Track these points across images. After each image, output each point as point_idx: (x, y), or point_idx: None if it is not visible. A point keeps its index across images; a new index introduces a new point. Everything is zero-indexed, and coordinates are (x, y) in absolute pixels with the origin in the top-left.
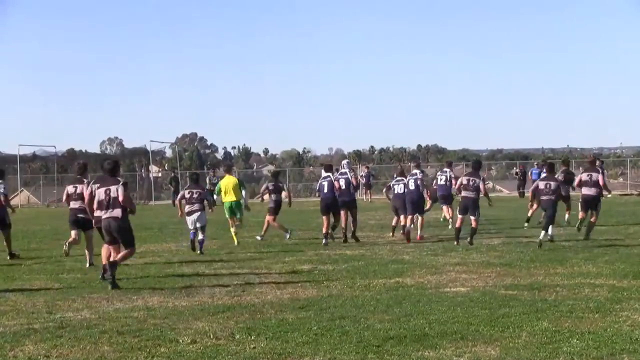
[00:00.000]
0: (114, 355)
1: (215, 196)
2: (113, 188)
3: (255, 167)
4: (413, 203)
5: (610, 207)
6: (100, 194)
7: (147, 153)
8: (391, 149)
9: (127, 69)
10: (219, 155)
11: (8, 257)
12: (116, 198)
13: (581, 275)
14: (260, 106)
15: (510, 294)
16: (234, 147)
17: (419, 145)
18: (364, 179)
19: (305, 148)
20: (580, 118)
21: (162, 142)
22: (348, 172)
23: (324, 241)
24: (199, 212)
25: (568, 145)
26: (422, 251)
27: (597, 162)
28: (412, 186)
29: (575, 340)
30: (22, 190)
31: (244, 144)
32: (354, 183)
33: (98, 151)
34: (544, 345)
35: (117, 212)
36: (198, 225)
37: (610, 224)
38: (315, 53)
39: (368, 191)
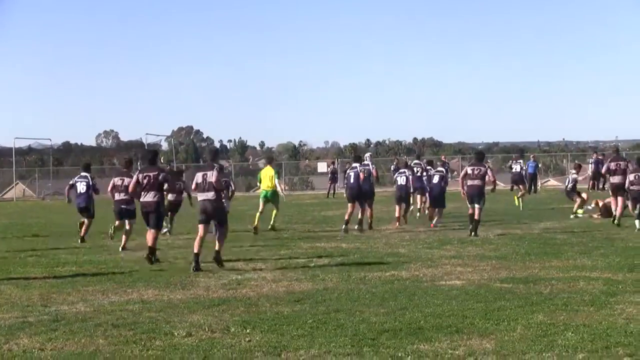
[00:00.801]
0: (109, 349)
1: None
2: (209, 173)
3: (251, 160)
4: (435, 197)
5: (605, 199)
6: (198, 177)
7: (143, 146)
8: (387, 142)
9: (124, 62)
10: None
11: None
12: (211, 182)
13: (576, 269)
14: (256, 99)
15: (506, 287)
16: (230, 140)
17: (415, 139)
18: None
19: (301, 141)
20: (576, 111)
21: (158, 135)
22: (370, 164)
23: (343, 227)
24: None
25: (564, 139)
26: (418, 244)
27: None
28: (435, 180)
29: (570, 333)
30: (17, 183)
31: (240, 137)
32: (374, 174)
33: (94, 144)
34: (539, 338)
35: (211, 195)
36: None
37: (604, 217)
38: (312, 47)
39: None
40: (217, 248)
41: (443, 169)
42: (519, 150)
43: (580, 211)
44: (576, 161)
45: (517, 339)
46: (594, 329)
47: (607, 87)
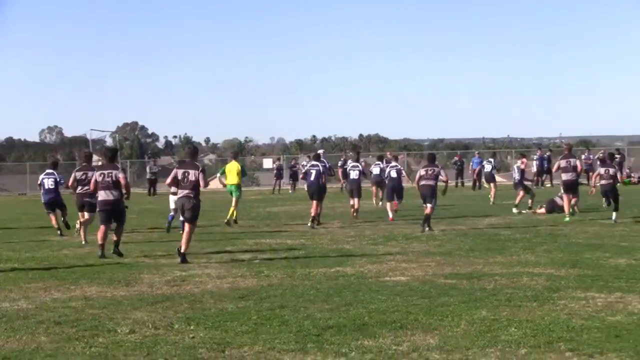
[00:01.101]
0: (50, 346)
1: (219, 176)
2: (192, 172)
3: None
4: (395, 190)
5: (549, 196)
6: (179, 173)
7: (87, 142)
8: (333, 138)
9: (67, 56)
10: (160, 144)
11: None
12: (193, 181)
13: (520, 264)
14: (201, 95)
15: (450, 283)
16: (175, 136)
17: (361, 135)
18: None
19: (247, 137)
20: (521, 108)
21: (103, 131)
22: (326, 163)
23: (309, 224)
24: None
25: (508, 135)
26: (363, 240)
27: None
28: (394, 174)
29: (513, 329)
30: None
31: (185, 133)
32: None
33: (37, 140)
34: (483, 333)
35: (192, 192)
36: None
37: (547, 214)
38: (255, 41)
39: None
40: (185, 238)
41: (397, 164)
42: (488, 148)
43: (515, 210)
44: (520, 154)
45: (461, 335)
46: (536, 324)
47: (551, 85)
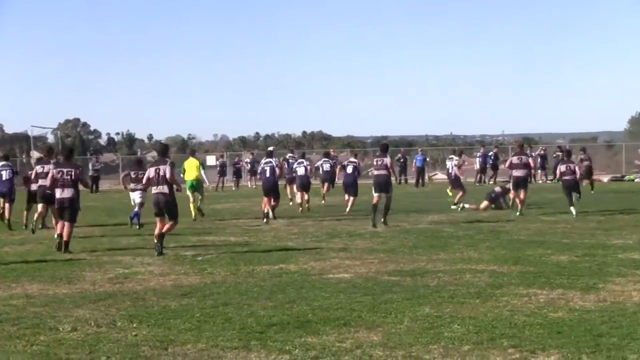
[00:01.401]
0: None
1: (182, 175)
2: (162, 167)
3: (139, 153)
4: (349, 186)
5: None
6: (151, 172)
7: (28, 138)
8: (276, 135)
9: (8, 52)
10: (102, 141)
11: None
12: (164, 176)
13: (463, 261)
14: (144, 92)
15: (393, 280)
16: (117, 133)
17: (304, 132)
18: (249, 165)
19: (190, 134)
20: (463, 105)
21: (44, 128)
22: (275, 160)
23: (264, 220)
24: (141, 192)
25: (451, 133)
26: (306, 237)
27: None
28: (349, 170)
29: (456, 326)
30: None
31: (128, 130)
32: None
33: None
34: (426, 330)
35: (165, 189)
36: (138, 201)
37: (491, 209)
38: (200, 38)
39: (253, 177)
40: (161, 229)
41: (355, 160)
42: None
43: (454, 207)
44: (457, 148)
45: (404, 332)
46: (479, 321)
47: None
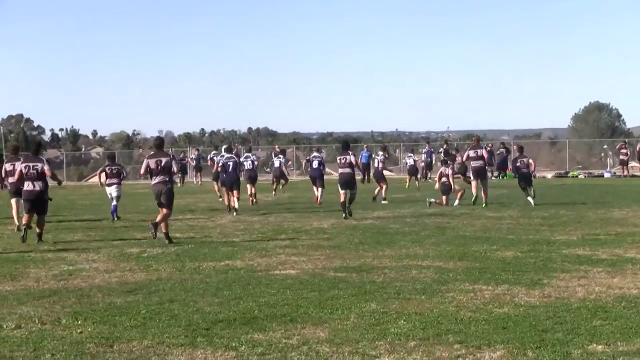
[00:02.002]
0: None
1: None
2: (163, 159)
3: (83, 149)
4: (317, 178)
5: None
6: (151, 163)
7: None
8: (222, 131)
9: None
10: (46, 137)
11: None
12: (165, 166)
13: (408, 257)
14: (88, 87)
15: (339, 276)
16: (61, 129)
17: (250, 128)
18: (194, 161)
19: (134, 130)
20: (409, 102)
21: None
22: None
23: (234, 214)
24: (117, 186)
25: (397, 129)
26: (252, 234)
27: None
28: (315, 165)
29: (402, 322)
30: None
31: (72, 126)
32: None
33: None
34: (372, 326)
35: (166, 177)
36: (115, 195)
37: (438, 206)
38: (143, 34)
39: (198, 174)
40: (158, 219)
41: (319, 154)
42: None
43: (384, 202)
44: (382, 145)
45: (351, 328)
46: (425, 316)
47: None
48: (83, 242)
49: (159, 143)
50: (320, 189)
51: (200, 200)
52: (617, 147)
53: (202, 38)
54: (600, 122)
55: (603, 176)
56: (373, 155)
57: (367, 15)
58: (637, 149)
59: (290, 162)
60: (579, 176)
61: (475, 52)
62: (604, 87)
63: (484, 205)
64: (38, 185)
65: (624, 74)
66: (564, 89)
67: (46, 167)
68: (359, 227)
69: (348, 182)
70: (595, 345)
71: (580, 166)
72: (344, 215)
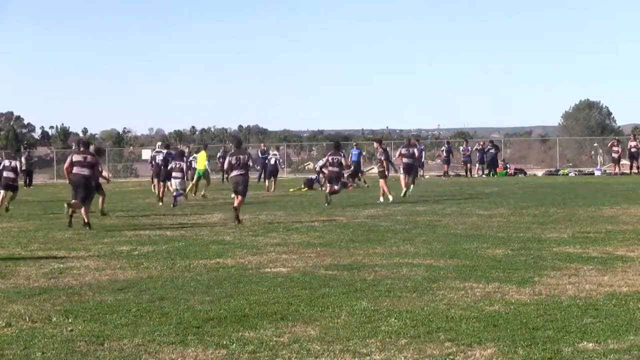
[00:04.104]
0: None
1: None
2: (241, 156)
3: (73, 147)
4: (273, 173)
5: (426, 187)
6: (232, 159)
7: None
8: (212, 129)
9: None
10: (36, 134)
11: None
12: (244, 162)
13: (399, 255)
14: (79, 85)
15: (330, 274)
16: (51, 127)
17: (240, 126)
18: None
19: (125, 128)
20: (399, 100)
21: None
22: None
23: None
24: (180, 179)
25: (387, 127)
26: (243, 232)
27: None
28: (273, 162)
29: (393, 319)
30: None
31: (62, 124)
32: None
33: None
34: (363, 324)
35: (244, 171)
36: (178, 187)
37: (428, 204)
38: (135, 32)
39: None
40: (237, 204)
41: (277, 153)
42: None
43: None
44: (356, 143)
45: (342, 326)
46: (416, 314)
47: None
48: (74, 240)
49: (239, 143)
50: (274, 181)
51: (191, 197)
52: (609, 144)
53: (193, 36)
54: (590, 120)
55: (593, 174)
56: (363, 153)
57: (358, 13)
58: (628, 146)
59: (280, 160)
60: (570, 174)
61: (466, 50)
62: (594, 85)
63: (402, 195)
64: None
65: (614, 72)
66: (554, 87)
67: (249, 158)
68: (350, 225)
69: (334, 179)
70: (585, 342)
71: (570, 164)
72: (326, 201)
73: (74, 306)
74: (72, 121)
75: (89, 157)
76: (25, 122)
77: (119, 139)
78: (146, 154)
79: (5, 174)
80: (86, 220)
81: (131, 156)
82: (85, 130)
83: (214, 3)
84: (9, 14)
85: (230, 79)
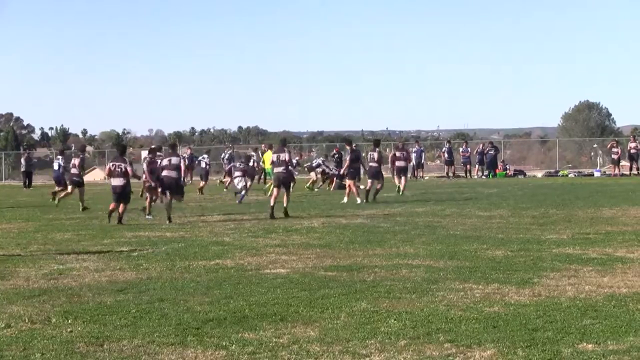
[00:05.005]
0: None
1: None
2: (282, 155)
3: (73, 148)
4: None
5: (426, 188)
6: (274, 157)
7: None
8: (212, 130)
9: None
10: (36, 136)
11: None
12: (285, 160)
13: (399, 256)
14: (78, 86)
15: (330, 275)
16: (51, 128)
17: (240, 127)
18: (187, 160)
19: (124, 129)
20: (399, 101)
21: None
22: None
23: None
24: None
25: (387, 128)
26: (243, 233)
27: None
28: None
29: (392, 320)
30: None
31: (62, 125)
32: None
33: None
34: (363, 325)
35: (284, 168)
36: (241, 185)
37: (428, 205)
38: (134, 33)
39: (189, 172)
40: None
41: (254, 154)
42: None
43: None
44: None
45: (341, 327)
46: (416, 315)
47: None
48: (73, 241)
49: (283, 142)
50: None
51: (189, 199)
52: (608, 145)
53: (192, 37)
54: (590, 121)
55: (593, 175)
56: (363, 154)
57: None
58: (627, 148)
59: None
60: (569, 175)
61: (465, 51)
62: (594, 86)
63: (400, 193)
64: None
65: (614, 73)
66: (554, 88)
67: (289, 156)
68: (350, 226)
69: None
70: (585, 344)
71: (570, 165)
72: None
73: (74, 307)
74: (72, 122)
75: (122, 166)
76: (25, 123)
77: (119, 140)
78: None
79: (72, 170)
80: (118, 214)
81: (131, 157)
82: (84, 132)
83: (214, 4)
84: (9, 15)
85: (230, 80)
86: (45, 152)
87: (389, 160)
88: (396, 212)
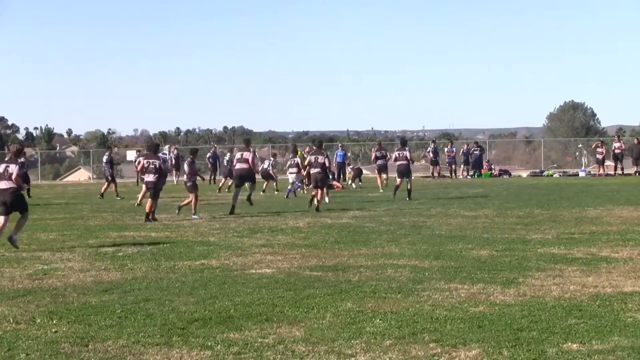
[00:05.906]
0: None
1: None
2: (320, 157)
3: (58, 148)
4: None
5: (414, 188)
6: (311, 158)
7: None
8: (197, 130)
9: None
10: (20, 135)
11: None
12: (324, 162)
13: (384, 256)
14: (63, 86)
15: (315, 275)
16: (36, 128)
17: (225, 127)
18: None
19: (110, 129)
20: (384, 101)
21: None
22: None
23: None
24: (298, 174)
25: (372, 128)
26: (228, 233)
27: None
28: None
29: (378, 320)
30: None
31: (47, 125)
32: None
33: None
34: (348, 325)
35: (319, 168)
36: (295, 180)
37: (413, 205)
38: (120, 34)
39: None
40: (319, 198)
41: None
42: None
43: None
44: (341, 144)
45: (327, 327)
46: (401, 315)
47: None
48: (58, 241)
49: (319, 144)
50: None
51: (177, 199)
52: (593, 145)
53: (178, 37)
54: (575, 121)
55: (578, 175)
56: (348, 154)
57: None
58: (612, 148)
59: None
60: (554, 175)
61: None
62: (579, 87)
63: (380, 191)
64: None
65: (599, 74)
66: (539, 88)
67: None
68: (335, 226)
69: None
70: (570, 343)
71: (555, 165)
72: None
73: (58, 307)
74: (57, 122)
75: (156, 163)
76: (10, 123)
77: (104, 140)
78: (131, 155)
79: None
80: (148, 212)
81: (115, 157)
82: (69, 131)
83: (200, 5)
84: None
85: (215, 80)
86: (30, 152)
87: (372, 159)
88: (381, 212)
